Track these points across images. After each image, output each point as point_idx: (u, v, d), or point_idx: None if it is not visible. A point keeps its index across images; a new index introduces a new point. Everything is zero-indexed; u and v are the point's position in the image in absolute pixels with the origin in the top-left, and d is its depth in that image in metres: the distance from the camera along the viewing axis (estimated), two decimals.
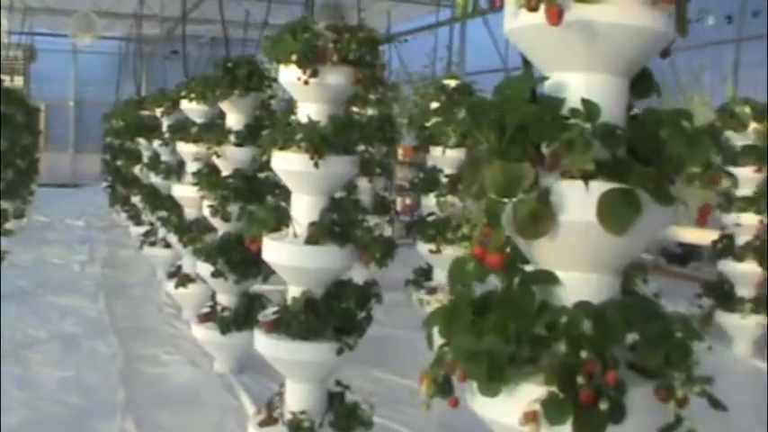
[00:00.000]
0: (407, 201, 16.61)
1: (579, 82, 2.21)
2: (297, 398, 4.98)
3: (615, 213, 2.07)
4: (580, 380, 2.01)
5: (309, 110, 4.83)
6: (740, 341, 9.08)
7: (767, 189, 9.15)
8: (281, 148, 4.88)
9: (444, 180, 8.87)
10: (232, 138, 7.08)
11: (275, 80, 5.89)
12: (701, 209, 2.22)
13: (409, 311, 8.83)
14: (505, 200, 2.11)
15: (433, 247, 8.69)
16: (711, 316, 8.98)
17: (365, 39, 4.67)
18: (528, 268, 2.29)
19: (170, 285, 8.98)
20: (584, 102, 2.12)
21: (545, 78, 2.25)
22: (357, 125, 4.93)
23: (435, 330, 2.35)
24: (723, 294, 9.13)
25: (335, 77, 4.76)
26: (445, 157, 8.72)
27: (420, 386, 2.31)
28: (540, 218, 2.09)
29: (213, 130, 7.42)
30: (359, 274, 8.15)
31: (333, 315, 4.82)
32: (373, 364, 7.64)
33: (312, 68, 4.64)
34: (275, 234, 4.98)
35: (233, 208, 6.95)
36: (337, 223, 4.88)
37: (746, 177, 9.24)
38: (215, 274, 7.05)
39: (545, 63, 2.30)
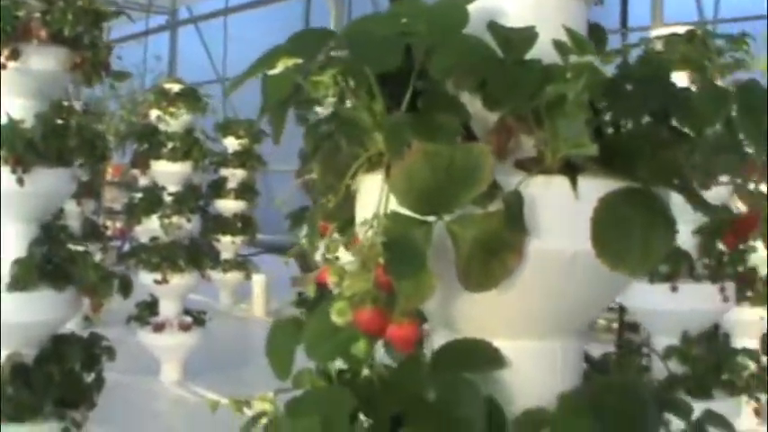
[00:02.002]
0: (118, 224, 15.28)
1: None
2: None
3: (627, 237, 1.11)
4: None
5: (10, 106, 3.56)
6: None
7: None
8: None
9: (169, 199, 7.75)
10: None
11: None
12: (738, 224, 1.31)
13: (134, 352, 7.60)
14: (430, 218, 1.09)
15: (158, 276, 7.55)
16: None
17: (85, 10, 3.48)
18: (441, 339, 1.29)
19: None
20: (570, 33, 1.14)
21: None
22: (77, 128, 3.73)
23: None
24: None
25: (44, 61, 3.54)
26: (171, 173, 7.63)
27: None
28: (501, 250, 1.09)
29: None
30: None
31: (52, 384, 3.57)
32: (94, 419, 6.40)
33: (12, 48, 3.39)
34: None
35: None
36: (51, 259, 3.65)
37: None
38: None
39: None
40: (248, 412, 1.46)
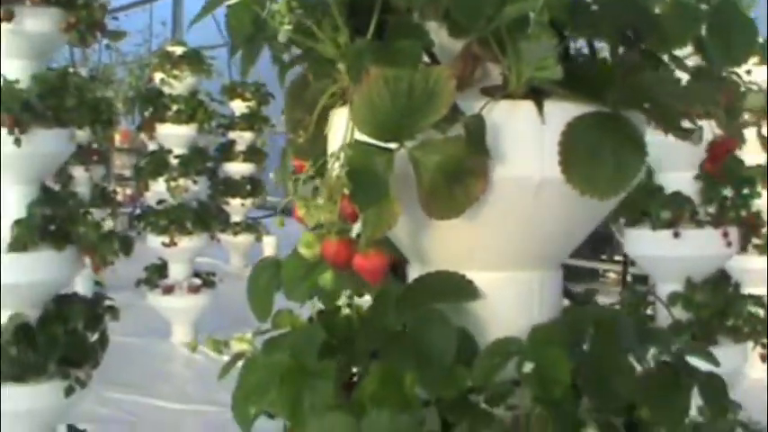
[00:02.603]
0: (129, 191, 15.31)
1: None
2: None
3: (597, 161, 1.09)
4: None
5: (5, 67, 3.54)
6: None
7: None
8: None
9: (175, 161, 7.76)
10: None
11: None
12: (714, 147, 1.27)
13: (142, 314, 7.66)
14: (392, 145, 1.08)
15: (166, 239, 7.58)
16: None
17: None
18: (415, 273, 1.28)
19: None
20: None
21: None
22: (74, 87, 3.70)
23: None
24: None
25: (38, 22, 3.50)
26: (176, 136, 7.63)
27: None
28: (465, 176, 1.08)
29: None
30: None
31: (56, 343, 3.58)
32: (107, 381, 6.45)
33: (6, 9, 3.37)
34: None
35: None
36: (52, 220, 3.64)
37: None
38: None
39: None
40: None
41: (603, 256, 9.56)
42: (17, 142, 3.49)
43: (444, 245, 1.23)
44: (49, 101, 3.58)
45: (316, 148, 1.30)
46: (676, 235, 3.89)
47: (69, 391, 3.54)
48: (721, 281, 4.10)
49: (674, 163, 3.97)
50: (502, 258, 1.24)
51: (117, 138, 14.51)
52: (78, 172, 9.24)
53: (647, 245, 4.04)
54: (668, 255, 3.97)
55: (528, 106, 1.12)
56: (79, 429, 3.91)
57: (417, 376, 1.11)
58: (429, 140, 1.07)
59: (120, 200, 14.02)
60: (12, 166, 3.58)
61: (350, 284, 1.31)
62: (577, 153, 1.10)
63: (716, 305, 4.03)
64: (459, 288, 1.21)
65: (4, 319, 3.58)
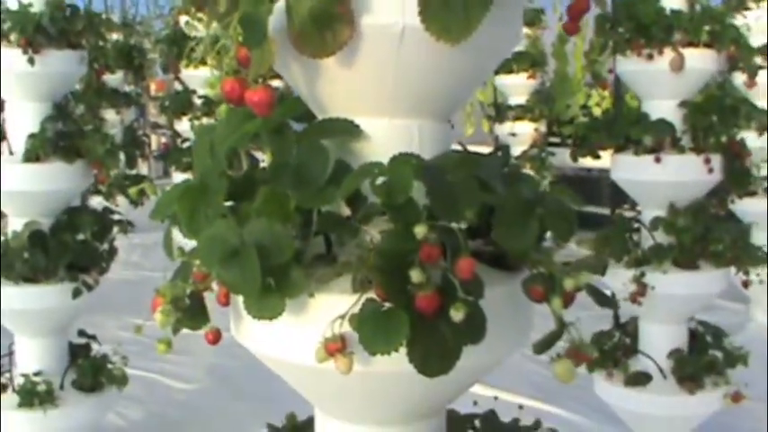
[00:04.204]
0: (163, 139, 15.60)
1: None
2: (29, 357, 4.00)
3: (451, 3, 1.28)
4: (415, 275, 1.22)
5: None
6: None
7: None
8: None
9: (199, 101, 8.00)
10: None
11: None
12: (571, 7, 1.45)
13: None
14: None
15: (190, 176, 7.78)
16: None
17: None
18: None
19: None
20: None
21: None
22: (84, 12, 3.93)
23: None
24: None
25: None
26: (200, 77, 7.89)
27: (153, 314, 1.48)
28: (330, 21, 1.28)
29: None
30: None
31: (66, 250, 3.85)
32: (131, 311, 6.78)
33: None
34: None
35: None
36: (63, 135, 3.90)
37: (519, 85, 8.92)
38: None
39: None
40: None
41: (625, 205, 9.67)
42: (31, 62, 3.73)
43: (331, 92, 1.44)
44: (60, 24, 3.81)
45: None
46: (657, 160, 4.03)
47: (77, 293, 3.81)
48: (702, 206, 4.23)
49: (659, 91, 4.13)
50: (380, 105, 1.44)
51: (152, 87, 14.77)
52: (110, 115, 9.55)
53: (630, 170, 4.19)
54: (650, 179, 4.12)
55: None
56: (89, 334, 4.19)
57: (295, 194, 1.32)
58: None
59: (155, 148, 14.33)
60: (26, 84, 3.84)
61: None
62: (433, 2, 1.29)
63: (698, 231, 4.17)
64: (342, 128, 1.42)
65: (20, 226, 3.85)
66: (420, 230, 1.21)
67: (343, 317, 1.29)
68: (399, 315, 1.22)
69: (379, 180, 1.30)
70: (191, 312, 1.45)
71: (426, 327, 1.23)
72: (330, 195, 1.32)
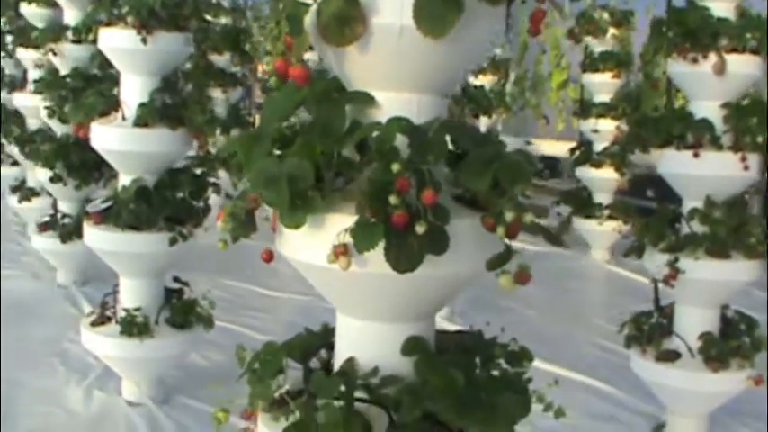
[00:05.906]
0: None
1: None
2: (131, 294, 4.66)
3: (433, 10, 1.79)
4: (393, 200, 1.74)
5: None
6: (597, 247, 9.15)
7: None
8: (107, 25, 4.51)
9: None
10: (69, 35, 6.61)
11: None
12: (533, 14, 1.95)
13: (262, 224, 8.58)
14: (309, 2, 1.82)
15: None
16: (569, 223, 8.99)
17: None
18: None
19: (13, 201, 8.47)
20: None
21: None
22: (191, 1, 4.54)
23: None
24: (580, 201, 9.14)
25: None
26: None
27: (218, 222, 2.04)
28: (348, 20, 1.80)
29: (50, 29, 6.91)
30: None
31: (166, 204, 4.49)
32: (224, 272, 7.44)
33: None
34: (103, 119, 4.60)
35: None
36: (169, 106, 4.52)
37: (605, 83, 9.25)
38: (53, 180, 6.61)
39: None
40: None
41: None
42: (143, 41, 4.37)
43: (352, 71, 1.98)
44: (169, 9, 4.43)
45: None
46: (696, 155, 4.44)
47: (173, 242, 4.44)
48: (738, 201, 4.60)
49: (703, 92, 4.53)
50: (388, 82, 1.96)
51: (260, 69, 15.54)
52: (216, 93, 10.24)
53: (672, 164, 4.60)
54: (690, 173, 4.52)
55: None
56: (182, 281, 4.82)
57: (321, 141, 1.86)
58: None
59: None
60: (138, 61, 4.48)
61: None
62: (422, 8, 1.80)
63: (731, 223, 4.54)
64: (360, 98, 1.95)
65: (128, 182, 4.51)
66: (395, 167, 1.74)
67: (346, 230, 1.82)
68: (379, 227, 1.75)
69: (375, 133, 1.83)
70: (245, 224, 2.01)
71: (399, 236, 1.76)
72: (345, 143, 1.85)
